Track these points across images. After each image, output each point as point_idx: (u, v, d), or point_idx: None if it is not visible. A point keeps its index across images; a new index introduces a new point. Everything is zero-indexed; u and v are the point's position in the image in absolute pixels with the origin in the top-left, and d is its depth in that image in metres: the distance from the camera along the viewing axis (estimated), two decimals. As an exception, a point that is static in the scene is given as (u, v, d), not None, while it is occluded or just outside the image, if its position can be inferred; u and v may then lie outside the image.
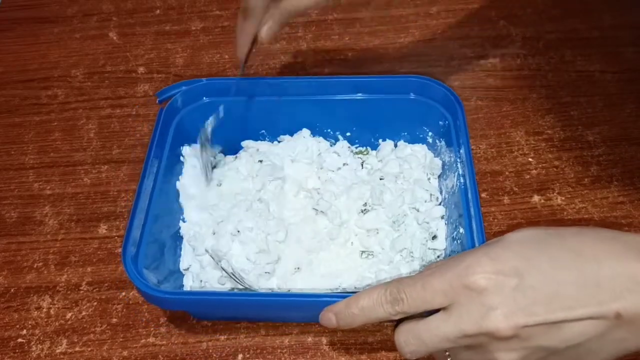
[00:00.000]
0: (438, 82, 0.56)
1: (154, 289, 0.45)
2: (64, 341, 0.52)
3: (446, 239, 0.53)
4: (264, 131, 0.61)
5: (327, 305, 0.40)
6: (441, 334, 0.36)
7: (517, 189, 0.60)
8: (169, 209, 0.55)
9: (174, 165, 0.57)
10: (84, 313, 0.54)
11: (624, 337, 0.34)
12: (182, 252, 0.54)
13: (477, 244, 0.46)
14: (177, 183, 0.57)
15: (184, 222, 0.56)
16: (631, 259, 0.34)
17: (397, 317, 0.37)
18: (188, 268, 0.53)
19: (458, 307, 0.35)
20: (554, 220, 0.57)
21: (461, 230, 0.49)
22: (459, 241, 0.50)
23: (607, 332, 0.34)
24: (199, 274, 0.53)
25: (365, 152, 0.60)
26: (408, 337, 0.37)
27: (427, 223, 0.54)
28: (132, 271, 0.45)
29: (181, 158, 0.58)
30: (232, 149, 0.62)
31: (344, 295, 0.40)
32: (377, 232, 0.54)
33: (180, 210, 0.56)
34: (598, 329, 0.34)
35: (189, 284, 0.52)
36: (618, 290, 0.33)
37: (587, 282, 0.34)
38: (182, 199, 0.56)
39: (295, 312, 0.50)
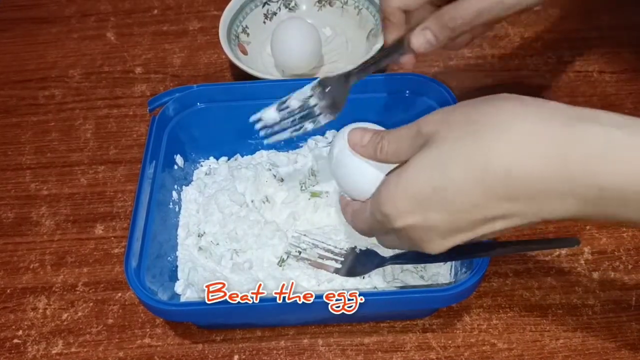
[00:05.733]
0: (434, 80, 0.56)
1: (162, 303, 0.45)
2: (60, 342, 0.52)
3: None
4: (256, 135, 0.61)
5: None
6: (403, 247, 0.43)
7: (514, 190, 0.59)
8: (165, 219, 0.54)
9: (169, 175, 0.57)
10: (80, 314, 0.54)
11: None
12: (178, 263, 0.54)
13: None
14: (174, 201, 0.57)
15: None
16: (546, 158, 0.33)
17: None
18: (185, 280, 0.53)
19: (403, 236, 0.40)
20: (551, 221, 0.57)
21: None
22: None
23: (537, 223, 0.36)
24: (192, 279, 0.53)
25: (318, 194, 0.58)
26: (388, 246, 0.44)
27: None
28: (137, 287, 0.45)
29: (175, 167, 0.58)
30: (225, 153, 0.62)
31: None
32: None
33: (176, 217, 0.56)
34: (531, 224, 0.36)
35: (181, 288, 0.52)
36: (539, 200, 0.34)
37: (502, 196, 0.34)
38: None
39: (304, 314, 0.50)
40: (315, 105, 0.47)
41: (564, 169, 0.33)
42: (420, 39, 0.44)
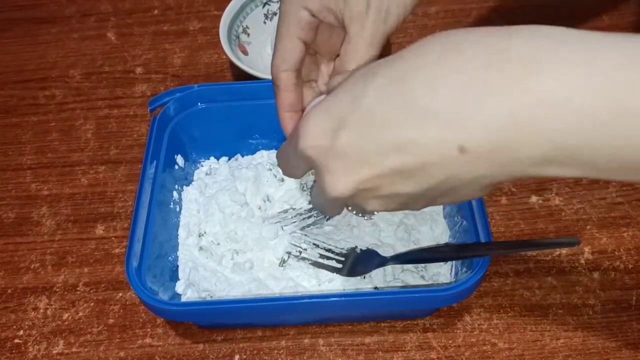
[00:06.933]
0: None
1: (163, 302, 0.45)
2: (61, 342, 0.52)
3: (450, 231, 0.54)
4: (257, 135, 0.61)
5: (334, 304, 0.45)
6: (319, 202, 0.39)
7: (514, 190, 0.60)
8: (166, 219, 0.54)
9: (170, 175, 0.57)
10: (80, 314, 0.54)
11: (476, 173, 0.31)
12: (179, 262, 0.54)
13: (481, 237, 0.47)
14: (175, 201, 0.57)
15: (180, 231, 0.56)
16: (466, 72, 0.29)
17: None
18: (186, 280, 0.53)
19: (315, 174, 0.36)
20: (551, 220, 0.57)
21: (464, 222, 0.49)
22: (462, 234, 0.50)
23: (458, 169, 0.31)
24: (193, 279, 0.53)
25: None
26: (314, 203, 0.42)
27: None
28: (138, 287, 0.46)
29: (175, 167, 0.58)
30: (226, 153, 0.62)
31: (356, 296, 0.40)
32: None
33: (177, 217, 0.56)
34: (446, 170, 0.31)
35: (181, 288, 0.52)
36: (456, 117, 0.29)
37: (417, 112, 0.30)
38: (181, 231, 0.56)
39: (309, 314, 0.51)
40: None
41: (498, 79, 0.28)
42: None
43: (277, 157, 0.43)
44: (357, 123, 0.32)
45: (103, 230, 0.59)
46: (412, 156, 0.31)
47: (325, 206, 0.40)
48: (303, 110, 0.45)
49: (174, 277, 0.53)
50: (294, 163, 0.38)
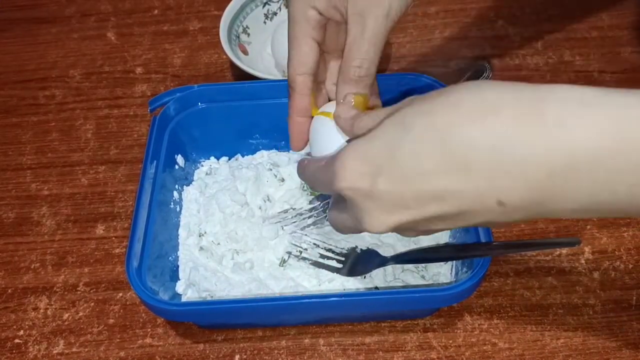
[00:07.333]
0: (435, 80, 0.56)
1: (164, 302, 0.45)
2: (61, 342, 0.52)
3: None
4: (257, 135, 0.61)
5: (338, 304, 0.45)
6: (347, 227, 0.40)
7: (515, 190, 0.60)
8: (166, 219, 0.54)
9: (170, 175, 0.57)
10: (81, 314, 0.54)
11: (513, 218, 0.33)
12: (179, 262, 0.54)
13: (481, 236, 0.47)
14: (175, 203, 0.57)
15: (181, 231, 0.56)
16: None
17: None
18: (186, 279, 0.53)
19: (347, 207, 0.37)
20: (551, 220, 0.57)
21: None
22: (462, 234, 0.50)
23: (495, 217, 0.33)
24: (193, 279, 0.53)
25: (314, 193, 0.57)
26: (335, 225, 0.42)
27: None
28: (138, 287, 0.45)
29: (176, 166, 0.58)
30: (226, 153, 0.62)
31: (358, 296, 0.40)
32: None
33: (177, 217, 0.56)
34: (484, 217, 0.33)
35: (182, 288, 0.52)
36: (495, 174, 0.31)
37: (455, 166, 0.31)
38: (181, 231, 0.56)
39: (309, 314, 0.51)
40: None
41: (531, 137, 0.30)
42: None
43: (299, 171, 0.44)
44: (395, 173, 0.34)
45: (103, 230, 0.59)
46: (452, 205, 0.33)
47: (348, 232, 0.42)
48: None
49: (174, 277, 0.53)
50: (324, 189, 0.39)
